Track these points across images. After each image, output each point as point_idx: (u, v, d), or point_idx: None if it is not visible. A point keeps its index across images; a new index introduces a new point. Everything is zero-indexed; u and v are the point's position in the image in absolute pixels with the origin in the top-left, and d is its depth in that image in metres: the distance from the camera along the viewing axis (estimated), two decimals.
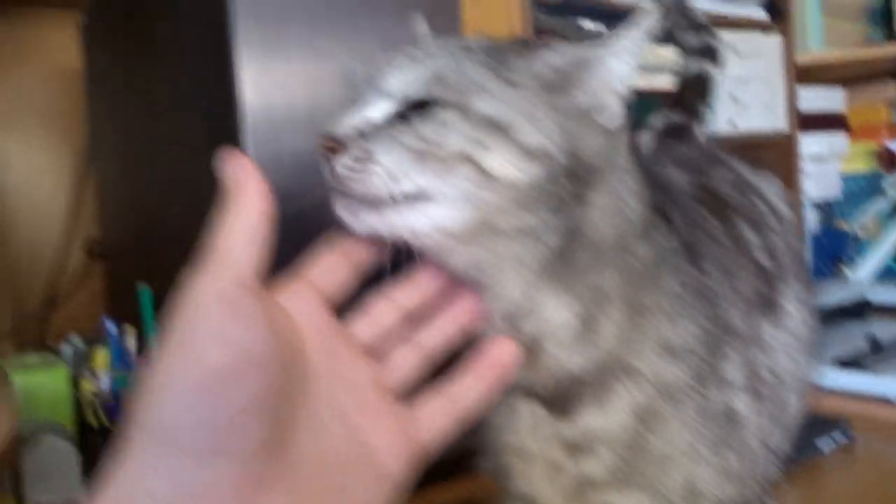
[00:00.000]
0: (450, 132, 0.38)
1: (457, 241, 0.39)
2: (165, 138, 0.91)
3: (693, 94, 0.79)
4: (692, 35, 0.78)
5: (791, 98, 1.64)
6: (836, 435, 0.96)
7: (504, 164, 0.38)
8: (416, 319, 0.43)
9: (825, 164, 1.74)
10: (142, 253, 1.05)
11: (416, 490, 0.81)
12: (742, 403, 0.48)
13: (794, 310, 0.58)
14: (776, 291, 0.56)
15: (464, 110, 0.38)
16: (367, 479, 0.36)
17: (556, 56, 0.41)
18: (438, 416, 0.41)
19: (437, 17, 0.59)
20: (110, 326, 0.91)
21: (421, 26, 0.51)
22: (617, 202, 0.43)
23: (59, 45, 1.25)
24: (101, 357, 0.93)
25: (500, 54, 0.41)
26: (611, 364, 0.43)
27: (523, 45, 0.42)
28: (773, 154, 1.60)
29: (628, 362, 0.43)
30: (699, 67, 0.78)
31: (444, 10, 0.76)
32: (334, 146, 0.38)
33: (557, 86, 0.40)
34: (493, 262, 0.40)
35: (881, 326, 1.39)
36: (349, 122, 0.39)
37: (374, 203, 0.38)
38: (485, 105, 0.38)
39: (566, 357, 0.42)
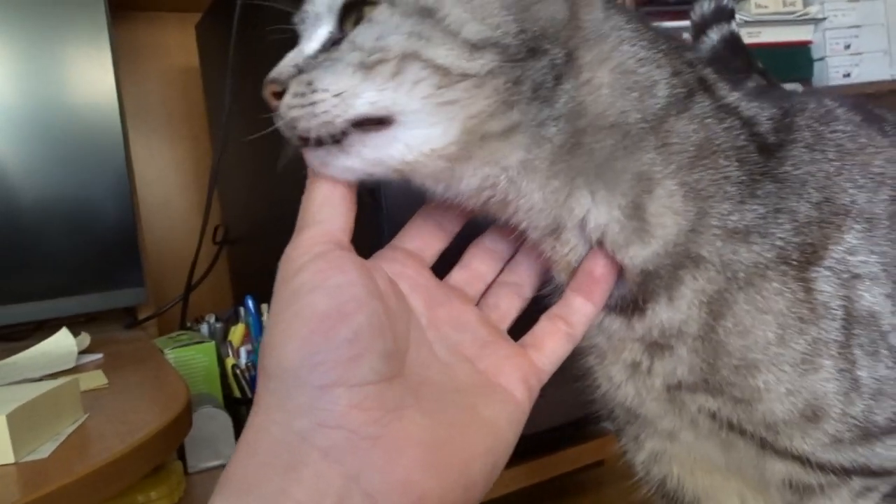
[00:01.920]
0: (387, 32, 0.36)
1: (451, 161, 0.38)
2: None
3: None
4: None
5: None
6: None
7: (450, 53, 0.36)
8: (504, 259, 0.45)
9: None
10: (265, 238, 1.11)
11: (550, 453, 0.83)
12: (874, 297, 0.42)
13: None
14: None
15: (391, 2, 0.36)
16: (493, 402, 0.39)
17: None
18: (552, 341, 0.42)
19: None
20: (250, 303, 0.96)
21: None
22: (621, 74, 0.40)
23: (178, 46, 1.32)
24: (238, 333, 0.99)
25: None
26: (678, 252, 0.41)
27: None
28: (893, 104, 1.51)
29: (694, 249, 0.40)
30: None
31: None
32: (276, 89, 0.38)
33: None
34: (501, 173, 0.39)
35: None
36: (286, 63, 0.38)
37: (338, 140, 0.37)
38: None
39: (630, 253, 0.41)
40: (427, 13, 0.36)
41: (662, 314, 0.42)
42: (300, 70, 0.38)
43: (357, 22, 0.37)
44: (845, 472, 0.43)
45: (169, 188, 1.33)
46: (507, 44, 0.37)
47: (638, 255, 0.41)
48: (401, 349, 0.37)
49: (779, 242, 0.41)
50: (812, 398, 0.41)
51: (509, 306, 0.45)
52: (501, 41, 0.37)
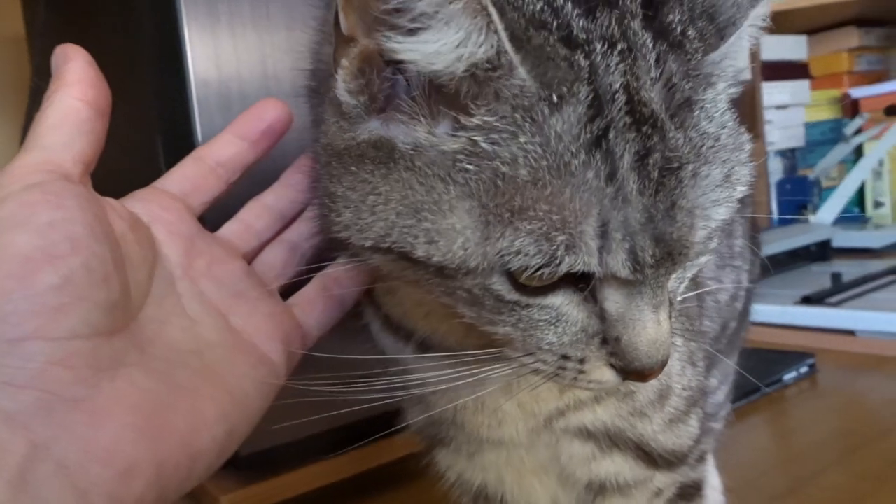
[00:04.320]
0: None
1: None
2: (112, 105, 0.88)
3: None
4: None
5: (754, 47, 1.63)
6: (801, 367, 0.98)
7: None
8: (285, 218, 0.44)
9: (789, 112, 1.75)
10: None
11: (382, 439, 0.81)
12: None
13: None
14: None
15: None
16: (240, 363, 0.36)
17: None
18: (322, 303, 0.41)
19: None
20: None
21: None
22: None
23: (3, 13, 1.21)
24: None
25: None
26: None
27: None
28: (737, 103, 1.59)
29: None
30: None
31: None
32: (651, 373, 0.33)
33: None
34: None
35: (843, 266, 1.41)
36: (665, 333, 0.32)
37: None
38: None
39: None
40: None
41: None
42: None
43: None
44: (664, 461, 0.45)
45: None
46: None
47: None
48: (133, 301, 0.33)
49: None
50: (666, 376, 0.43)
51: (285, 265, 0.42)
52: None
